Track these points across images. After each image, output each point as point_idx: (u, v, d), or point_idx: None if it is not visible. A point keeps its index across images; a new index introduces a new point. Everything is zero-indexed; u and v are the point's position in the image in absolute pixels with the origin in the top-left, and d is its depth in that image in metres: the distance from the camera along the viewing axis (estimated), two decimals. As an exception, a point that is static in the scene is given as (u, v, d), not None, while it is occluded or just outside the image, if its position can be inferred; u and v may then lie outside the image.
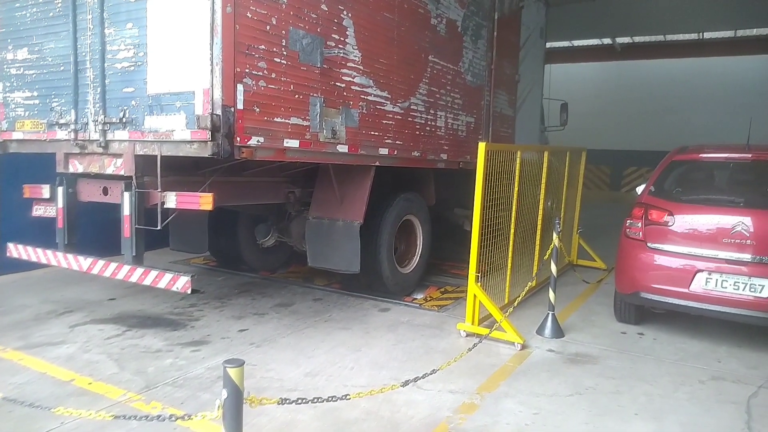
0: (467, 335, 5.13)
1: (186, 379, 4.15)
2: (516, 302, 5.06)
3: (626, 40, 21.37)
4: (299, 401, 2.72)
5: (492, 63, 7.86)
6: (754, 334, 5.25)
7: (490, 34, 7.78)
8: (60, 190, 5.13)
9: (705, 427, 3.65)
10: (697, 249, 4.86)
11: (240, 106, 4.16)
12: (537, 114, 10.22)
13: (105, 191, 5.01)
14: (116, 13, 4.50)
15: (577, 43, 21.61)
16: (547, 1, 10.01)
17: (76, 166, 4.99)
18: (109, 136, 4.64)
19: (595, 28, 18.98)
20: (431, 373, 3.45)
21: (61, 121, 4.92)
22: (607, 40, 21.56)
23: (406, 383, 3.20)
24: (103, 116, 4.62)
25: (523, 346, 4.87)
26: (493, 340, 4.96)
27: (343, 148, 5.19)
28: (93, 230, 5.96)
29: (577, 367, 4.54)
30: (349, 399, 2.94)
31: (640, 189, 6.28)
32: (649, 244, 5.10)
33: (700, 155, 5.51)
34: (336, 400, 2.85)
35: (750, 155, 5.23)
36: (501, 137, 8.28)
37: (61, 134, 4.95)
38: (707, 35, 19.85)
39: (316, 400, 2.76)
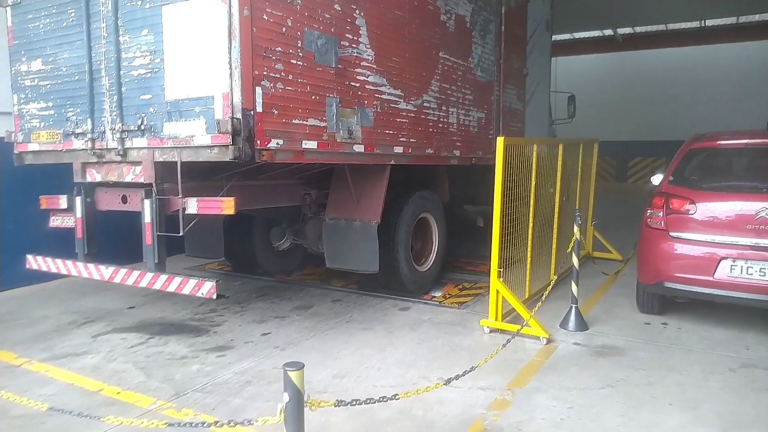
0: (491, 331, 5.11)
1: (215, 384, 4.14)
2: (543, 297, 5.01)
3: (627, 30, 21.30)
4: (353, 403, 2.70)
5: (501, 57, 7.83)
6: (780, 320, 5.23)
7: (498, 28, 7.76)
8: (78, 199, 5.12)
9: (743, 416, 3.61)
10: (720, 236, 4.82)
11: (259, 109, 4.15)
12: (545, 107, 10.20)
13: (124, 199, 4.99)
14: (131, 20, 4.49)
15: (578, 35, 21.56)
16: (551, -7, 9.98)
17: (94, 176, 4.98)
18: (128, 144, 4.63)
19: (596, 19, 18.92)
20: (470, 371, 3.42)
21: (78, 130, 4.91)
22: (608, 31, 21.50)
23: (448, 381, 3.17)
24: (120, 124, 4.61)
25: (549, 341, 4.84)
26: (518, 335, 4.93)
27: (359, 148, 5.18)
28: (110, 239, 5.94)
29: (605, 360, 4.52)
30: (410, 397, 2.91)
31: (655, 179, 6.25)
32: (671, 233, 5.07)
33: (718, 142, 5.47)
34: (393, 400, 2.84)
35: (769, 140, 5.19)
36: (511, 132, 8.25)
37: (77, 144, 4.94)
38: (709, 23, 19.74)
39: (369, 401, 2.75)
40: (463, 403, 3.77)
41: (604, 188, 20.14)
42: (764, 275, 4.62)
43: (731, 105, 19.75)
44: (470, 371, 3.40)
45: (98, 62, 4.74)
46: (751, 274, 4.68)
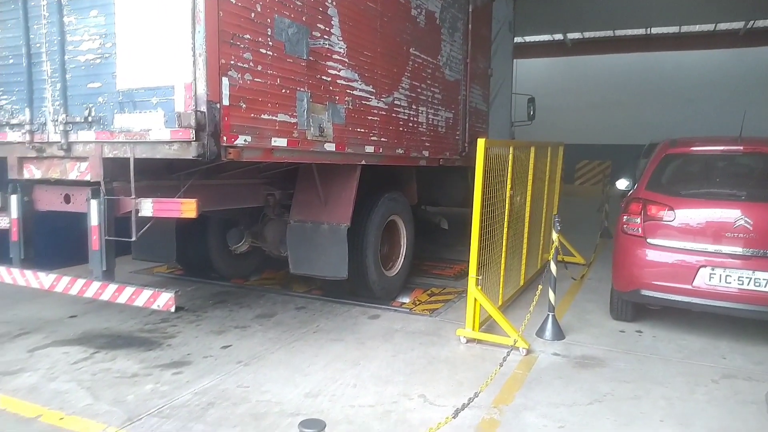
0: (467, 341, 4.87)
1: (172, 407, 3.71)
2: (532, 308, 4.80)
3: (577, 35, 21.72)
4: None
5: (467, 57, 7.64)
6: (750, 327, 5.22)
7: (465, 26, 7.56)
8: (14, 198, 4.56)
9: (734, 431, 3.51)
10: (699, 244, 4.76)
11: (225, 101, 3.76)
12: (507, 109, 10.11)
13: (67, 199, 4.48)
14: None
15: (529, 38, 21.76)
16: (514, -6, 9.89)
17: (33, 172, 4.45)
18: (72, 138, 4.14)
19: (546, 23, 19.15)
20: (475, 397, 3.16)
21: (13, 121, 4.37)
22: (558, 36, 21.87)
23: (456, 414, 2.88)
24: (64, 115, 4.11)
25: (528, 351, 4.65)
26: (495, 345, 4.74)
27: (330, 147, 4.84)
28: (51, 240, 5.38)
29: (587, 372, 4.35)
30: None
31: (621, 183, 6.20)
32: (648, 240, 4.97)
33: (694, 148, 5.44)
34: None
35: (742, 147, 5.18)
36: (477, 133, 8.07)
37: (13, 136, 4.40)
38: (654, 30, 20.36)
39: None
40: (450, 424, 3.49)
41: (554, 190, 20.46)
42: (743, 284, 4.58)
43: (674, 110, 20.43)
44: (475, 397, 3.14)
45: (38, 45, 4.23)
46: (730, 283, 4.63)
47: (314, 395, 3.90)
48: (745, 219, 4.59)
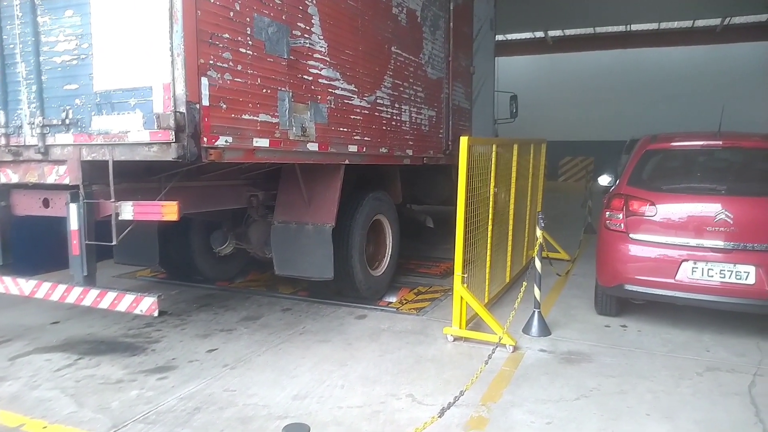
0: (454, 339, 4.87)
1: (158, 413, 3.66)
2: (516, 304, 4.78)
3: (558, 33, 21.85)
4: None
5: (449, 55, 7.65)
6: (733, 320, 5.28)
7: (447, 24, 7.57)
8: (-10, 204, 4.48)
9: (719, 423, 3.54)
10: (681, 238, 4.81)
11: (205, 102, 3.71)
12: (490, 107, 10.13)
13: (46, 203, 4.39)
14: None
15: (510, 36, 21.83)
16: (495, -8, 9.91)
17: (9, 176, 4.35)
18: (50, 141, 4.06)
19: (527, 21, 19.23)
20: (461, 395, 3.15)
21: (-13, 124, 4.27)
22: (539, 34, 21.98)
23: (443, 413, 2.87)
24: (41, 118, 4.03)
25: (515, 348, 4.66)
26: (482, 342, 4.75)
27: (313, 146, 4.81)
28: (30, 244, 5.26)
29: (574, 368, 4.37)
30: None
31: (603, 179, 6.24)
32: (631, 235, 5.01)
33: (674, 144, 5.48)
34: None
35: (721, 142, 5.24)
36: (460, 131, 8.08)
37: (-13, 140, 4.30)
38: (633, 27, 20.55)
39: None
40: (438, 423, 3.49)
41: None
42: (725, 277, 4.63)
43: (654, 106, 20.62)
44: (461, 395, 3.13)
45: (11, 46, 4.14)
46: (712, 276, 4.68)
47: (302, 397, 3.87)
48: (726, 213, 4.64)
